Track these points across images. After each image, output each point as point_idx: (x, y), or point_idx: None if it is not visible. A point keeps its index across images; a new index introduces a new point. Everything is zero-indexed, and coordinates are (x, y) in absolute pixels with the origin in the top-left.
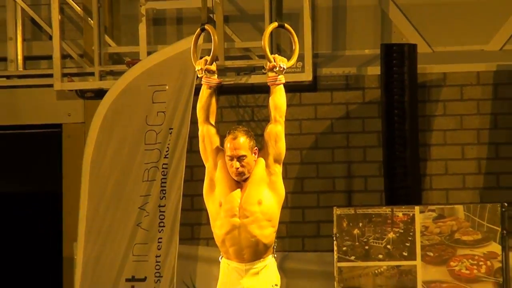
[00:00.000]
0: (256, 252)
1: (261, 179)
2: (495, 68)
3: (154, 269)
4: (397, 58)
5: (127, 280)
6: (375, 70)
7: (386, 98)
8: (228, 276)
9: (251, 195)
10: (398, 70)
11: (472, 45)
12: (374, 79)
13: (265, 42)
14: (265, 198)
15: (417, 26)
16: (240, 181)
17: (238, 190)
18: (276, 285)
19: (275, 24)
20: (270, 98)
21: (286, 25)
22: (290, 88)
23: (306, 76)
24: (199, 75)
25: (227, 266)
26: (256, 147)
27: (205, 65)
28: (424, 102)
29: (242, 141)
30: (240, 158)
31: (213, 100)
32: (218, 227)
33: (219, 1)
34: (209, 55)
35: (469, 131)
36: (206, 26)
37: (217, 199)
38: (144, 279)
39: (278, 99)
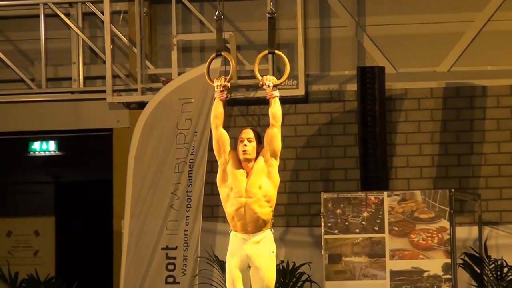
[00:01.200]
0: (257, 226)
1: (261, 170)
2: (444, 85)
3: (183, 240)
4: (370, 78)
5: (162, 248)
6: (352, 86)
7: (361, 108)
8: (235, 244)
9: (254, 181)
10: (370, 86)
11: (427, 67)
12: (352, 93)
13: (255, 66)
14: (264, 184)
15: (385, 53)
16: (245, 170)
17: (244, 177)
18: (273, 252)
19: (265, 52)
20: (269, 108)
21: (276, 51)
22: (288, 100)
23: (300, 92)
24: (216, 89)
25: (235, 237)
26: (261, 144)
27: (225, 81)
28: (390, 111)
29: (251, 132)
30: (248, 140)
31: (223, 110)
32: (229, 206)
33: (233, 34)
34: (224, 76)
35: (425, 133)
36: (224, 54)
37: (228, 185)
38: (175, 248)
39: (273, 109)
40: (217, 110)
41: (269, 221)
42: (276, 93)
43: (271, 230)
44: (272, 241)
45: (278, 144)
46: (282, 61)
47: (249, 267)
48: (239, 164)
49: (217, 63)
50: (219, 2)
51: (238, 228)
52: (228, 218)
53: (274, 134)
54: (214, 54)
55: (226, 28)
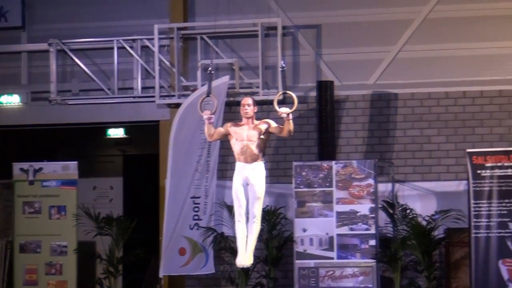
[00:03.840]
0: (254, 158)
1: (258, 130)
2: (371, 92)
3: (204, 192)
4: (324, 88)
5: (191, 197)
6: (313, 93)
7: (319, 107)
8: (239, 169)
9: (252, 133)
10: (325, 93)
11: (360, 81)
12: (313, 98)
13: (275, 103)
14: (259, 137)
15: (334, 71)
16: (246, 125)
17: (246, 130)
18: (263, 174)
19: (280, 93)
20: (285, 125)
21: (288, 92)
22: (272, 102)
23: (280, 97)
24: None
25: (239, 165)
26: (256, 107)
27: (210, 114)
28: (337, 109)
29: (250, 99)
30: (248, 105)
31: (213, 129)
32: (236, 147)
33: (236, 60)
34: (210, 109)
35: (359, 124)
36: (212, 95)
37: (235, 136)
38: (199, 197)
39: (289, 127)
40: (210, 131)
41: (261, 156)
42: (290, 116)
43: (263, 161)
44: (263, 168)
45: (277, 134)
46: (291, 98)
47: (248, 184)
48: (240, 126)
49: (225, 78)
50: (212, 63)
51: (242, 160)
52: (236, 155)
53: (280, 133)
54: (204, 96)
55: (232, 56)
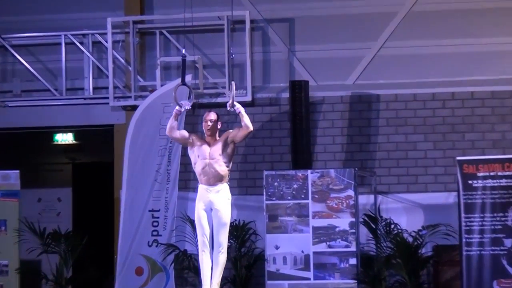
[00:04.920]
0: (217, 179)
1: (222, 145)
2: (350, 93)
3: (164, 204)
4: (298, 88)
5: (149, 211)
6: (286, 95)
7: (292, 110)
8: (201, 193)
9: (216, 149)
10: (299, 95)
11: (338, 81)
12: (285, 100)
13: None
14: (223, 152)
15: (309, 70)
16: (209, 143)
17: (208, 147)
18: (228, 199)
19: (179, 84)
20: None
21: (186, 85)
22: (240, 104)
23: (248, 98)
24: (177, 110)
25: (201, 188)
26: (220, 122)
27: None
28: (313, 113)
29: (213, 114)
30: (210, 121)
31: (177, 123)
32: (197, 166)
33: (200, 57)
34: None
35: (337, 128)
36: (188, 86)
37: (196, 154)
38: (158, 210)
39: (242, 121)
40: (173, 123)
41: (226, 177)
42: (239, 108)
43: (228, 183)
44: (228, 191)
45: (241, 139)
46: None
47: (211, 209)
48: (203, 140)
49: (187, 78)
50: (183, 49)
51: (203, 181)
52: (197, 175)
53: (240, 134)
54: (179, 84)
55: (195, 53)
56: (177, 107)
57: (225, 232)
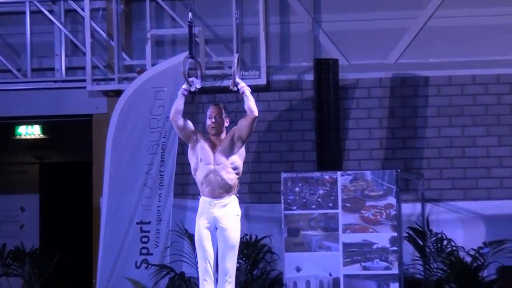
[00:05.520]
0: (224, 190)
1: (229, 145)
2: (391, 75)
3: (156, 215)
4: (325, 69)
5: (137, 223)
6: (309, 77)
7: (317, 96)
8: (204, 207)
9: (222, 152)
10: (326, 77)
11: (376, 59)
12: (309, 83)
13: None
14: (231, 155)
15: (338, 46)
16: (214, 142)
17: (212, 149)
18: (238, 215)
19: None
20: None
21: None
22: (251, 89)
23: (262, 81)
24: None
25: (203, 201)
26: (228, 118)
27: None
28: (343, 99)
29: (219, 109)
30: (215, 117)
31: (183, 105)
32: (199, 173)
33: (202, 29)
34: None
35: (374, 119)
36: (196, 61)
37: (198, 156)
38: (149, 222)
39: (246, 104)
40: (181, 105)
41: (235, 187)
42: (244, 87)
43: (237, 195)
44: (237, 205)
45: (249, 132)
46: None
47: (216, 228)
48: (207, 139)
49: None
50: (191, 10)
51: (206, 193)
52: (198, 185)
53: (247, 124)
54: (188, 56)
55: (195, 24)
56: (185, 85)
57: (233, 257)
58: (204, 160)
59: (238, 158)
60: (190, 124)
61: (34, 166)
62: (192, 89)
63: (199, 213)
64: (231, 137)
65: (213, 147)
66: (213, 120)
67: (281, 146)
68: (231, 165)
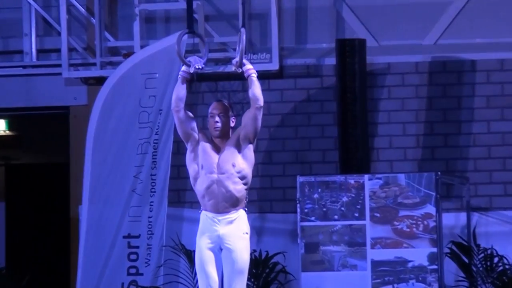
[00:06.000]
0: (230, 204)
1: (235, 149)
2: (430, 59)
3: (147, 228)
4: (349, 51)
5: (124, 237)
6: (331, 60)
7: (340, 84)
8: (206, 224)
9: (227, 158)
10: (350, 60)
11: (411, 40)
12: (330, 68)
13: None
14: (238, 162)
15: (366, 24)
16: (218, 146)
17: (216, 154)
18: (247, 233)
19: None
20: (248, 89)
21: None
22: (260, 76)
23: (273, 66)
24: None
25: (205, 217)
26: (234, 117)
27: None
28: (372, 88)
29: (223, 105)
30: (219, 115)
31: (185, 91)
32: (200, 184)
33: (201, 4)
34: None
35: (409, 111)
36: (199, 36)
37: (199, 163)
38: (138, 236)
39: (252, 90)
40: (182, 91)
41: (243, 200)
42: (250, 70)
43: (245, 210)
44: (246, 221)
45: (257, 128)
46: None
47: (221, 249)
48: (210, 141)
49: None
50: None
51: (209, 207)
52: (199, 197)
53: (255, 117)
54: (186, 31)
55: None
56: (184, 67)
57: (241, 283)
58: (206, 167)
59: (246, 165)
60: (192, 119)
61: None
62: (192, 70)
63: (200, 231)
64: (237, 139)
65: (217, 151)
66: (217, 119)
67: (296, 144)
68: (238, 174)
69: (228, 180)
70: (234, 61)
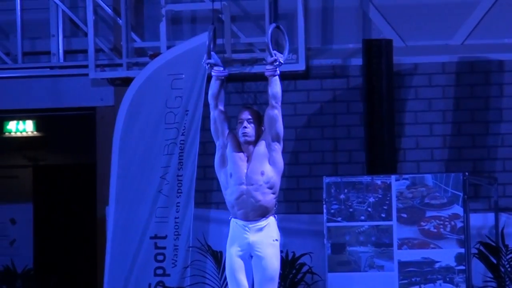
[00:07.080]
0: (260, 214)
1: (263, 155)
2: (457, 59)
3: (174, 229)
4: (376, 51)
5: (151, 238)
6: (357, 61)
7: (367, 84)
8: (236, 231)
9: (255, 167)
10: (377, 61)
11: (439, 40)
12: (356, 68)
13: (268, 39)
14: (266, 170)
15: (393, 24)
16: (246, 153)
17: (245, 163)
18: (276, 240)
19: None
20: (268, 87)
21: (279, 26)
22: (287, 76)
23: (300, 67)
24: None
25: (235, 224)
26: (263, 126)
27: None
28: (399, 88)
29: (253, 112)
30: (248, 121)
31: (222, 89)
32: (229, 194)
33: (227, 4)
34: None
35: (436, 112)
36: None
37: (227, 171)
38: (165, 237)
39: (274, 88)
40: (215, 88)
41: (272, 208)
42: (278, 70)
43: (275, 217)
44: (275, 228)
45: (280, 127)
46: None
47: (251, 256)
48: (238, 147)
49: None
50: None
51: (239, 215)
52: (228, 206)
53: (275, 116)
54: (213, 28)
55: None
56: (213, 70)
57: None
58: (235, 177)
59: (274, 173)
60: (226, 121)
61: (27, 170)
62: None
63: (230, 238)
64: (264, 144)
65: (246, 159)
66: (245, 125)
67: (323, 145)
68: (267, 184)
69: (257, 191)
70: (276, 55)
